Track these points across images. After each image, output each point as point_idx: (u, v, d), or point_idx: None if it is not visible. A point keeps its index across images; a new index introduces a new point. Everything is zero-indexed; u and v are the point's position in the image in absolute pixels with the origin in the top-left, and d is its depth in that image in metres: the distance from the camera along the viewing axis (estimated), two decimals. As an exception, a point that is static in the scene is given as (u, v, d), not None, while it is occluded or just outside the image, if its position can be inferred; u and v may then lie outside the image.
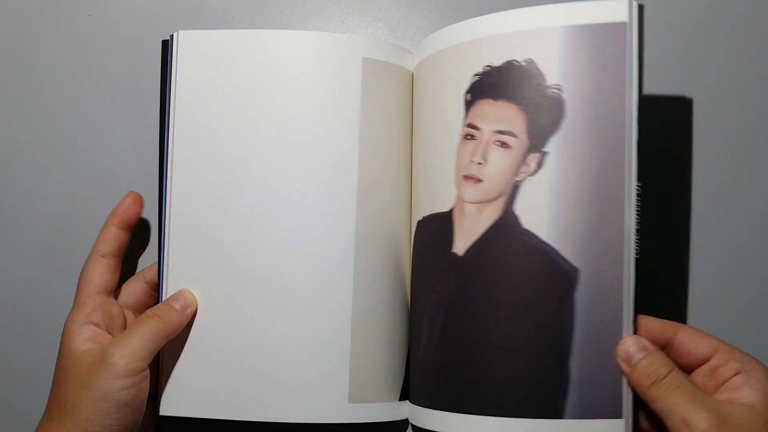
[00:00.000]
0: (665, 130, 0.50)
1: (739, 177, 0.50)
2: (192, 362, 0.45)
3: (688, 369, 0.40)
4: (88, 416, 0.40)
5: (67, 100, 0.54)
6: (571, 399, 0.40)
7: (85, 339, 0.43)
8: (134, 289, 0.47)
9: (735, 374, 0.38)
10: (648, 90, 0.47)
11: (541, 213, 0.41)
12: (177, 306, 0.44)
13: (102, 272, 0.45)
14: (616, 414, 0.39)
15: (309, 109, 0.46)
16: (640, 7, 0.41)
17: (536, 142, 0.42)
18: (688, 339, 0.40)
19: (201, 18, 0.54)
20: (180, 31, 0.47)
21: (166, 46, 0.47)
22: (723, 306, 0.49)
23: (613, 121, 0.41)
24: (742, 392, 0.37)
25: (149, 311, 0.44)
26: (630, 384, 0.39)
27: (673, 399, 0.37)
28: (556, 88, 0.41)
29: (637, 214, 0.41)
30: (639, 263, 0.41)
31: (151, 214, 0.50)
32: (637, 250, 0.41)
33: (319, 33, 0.47)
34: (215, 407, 0.45)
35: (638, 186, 0.41)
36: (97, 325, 0.44)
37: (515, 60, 0.42)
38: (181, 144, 0.46)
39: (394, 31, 0.54)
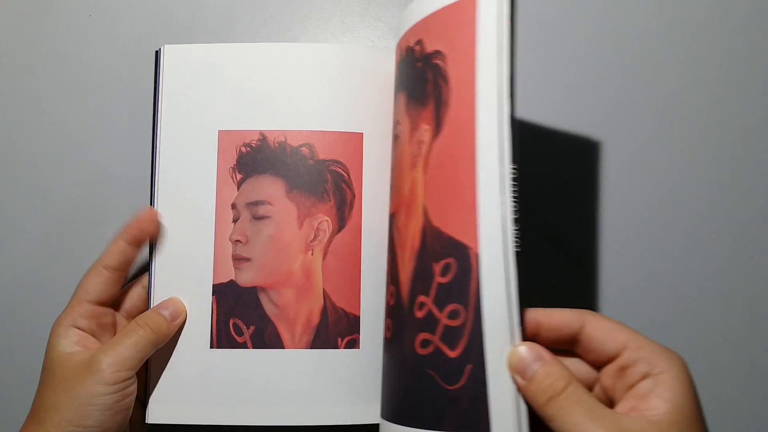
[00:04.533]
0: (572, 169, 0.51)
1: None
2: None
3: (597, 366, 0.37)
4: (69, 417, 0.40)
5: (67, 100, 0.54)
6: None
7: (71, 342, 0.42)
8: (131, 294, 0.47)
9: (643, 377, 0.34)
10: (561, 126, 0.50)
11: None
12: (167, 314, 0.44)
13: (99, 283, 0.45)
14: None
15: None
16: None
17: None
18: (597, 332, 0.35)
19: (201, 19, 0.54)
20: (166, 45, 0.47)
21: (159, 56, 0.48)
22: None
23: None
24: (649, 402, 0.33)
25: (139, 319, 0.43)
26: (525, 399, 0.34)
27: (570, 418, 0.32)
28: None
29: (515, 202, 0.35)
30: (521, 257, 0.35)
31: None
32: (517, 242, 0.35)
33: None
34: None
35: (514, 168, 0.35)
36: (82, 329, 0.44)
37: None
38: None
39: (394, 31, 0.53)
